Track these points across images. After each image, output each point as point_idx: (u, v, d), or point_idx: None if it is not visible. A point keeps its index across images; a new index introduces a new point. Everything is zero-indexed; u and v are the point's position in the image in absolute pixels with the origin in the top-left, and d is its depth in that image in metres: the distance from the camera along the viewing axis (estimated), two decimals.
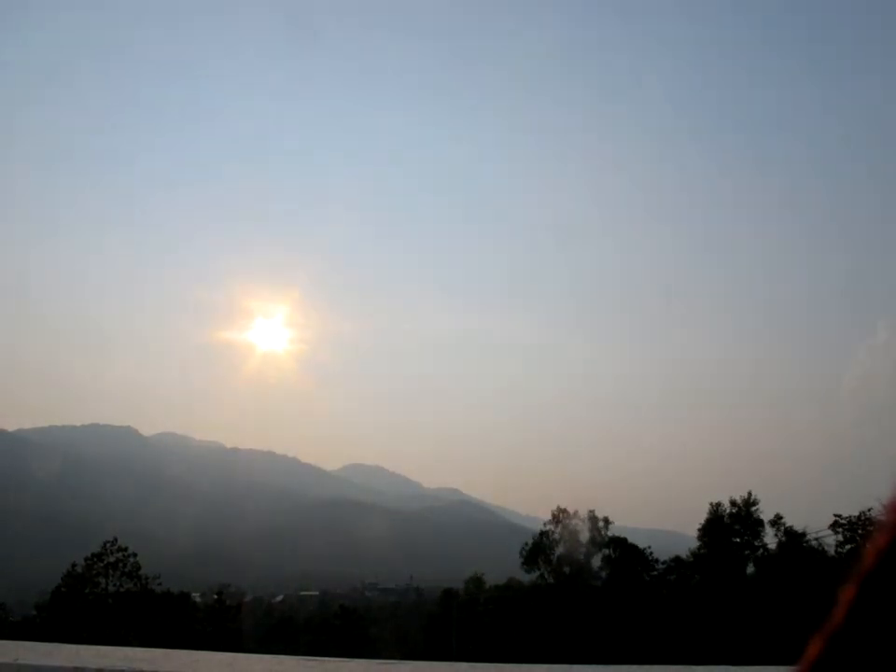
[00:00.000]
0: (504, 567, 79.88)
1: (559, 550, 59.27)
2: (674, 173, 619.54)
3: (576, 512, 60.20)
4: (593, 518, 59.80)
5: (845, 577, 1.19)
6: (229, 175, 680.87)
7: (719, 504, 57.04)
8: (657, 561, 58.13)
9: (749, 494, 56.93)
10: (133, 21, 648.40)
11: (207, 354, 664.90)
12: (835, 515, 52.16)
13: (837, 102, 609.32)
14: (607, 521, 59.87)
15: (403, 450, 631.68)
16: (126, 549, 54.37)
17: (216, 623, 57.78)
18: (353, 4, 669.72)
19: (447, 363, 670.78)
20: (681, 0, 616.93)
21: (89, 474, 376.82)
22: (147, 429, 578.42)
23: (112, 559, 53.60)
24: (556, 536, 59.66)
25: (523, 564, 59.40)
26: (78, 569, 53.59)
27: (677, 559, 57.75)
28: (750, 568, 55.76)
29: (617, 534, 59.65)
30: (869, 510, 49.27)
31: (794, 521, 55.89)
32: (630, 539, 59.16)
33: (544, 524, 61.08)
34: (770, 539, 55.63)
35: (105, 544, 54.23)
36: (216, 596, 63.59)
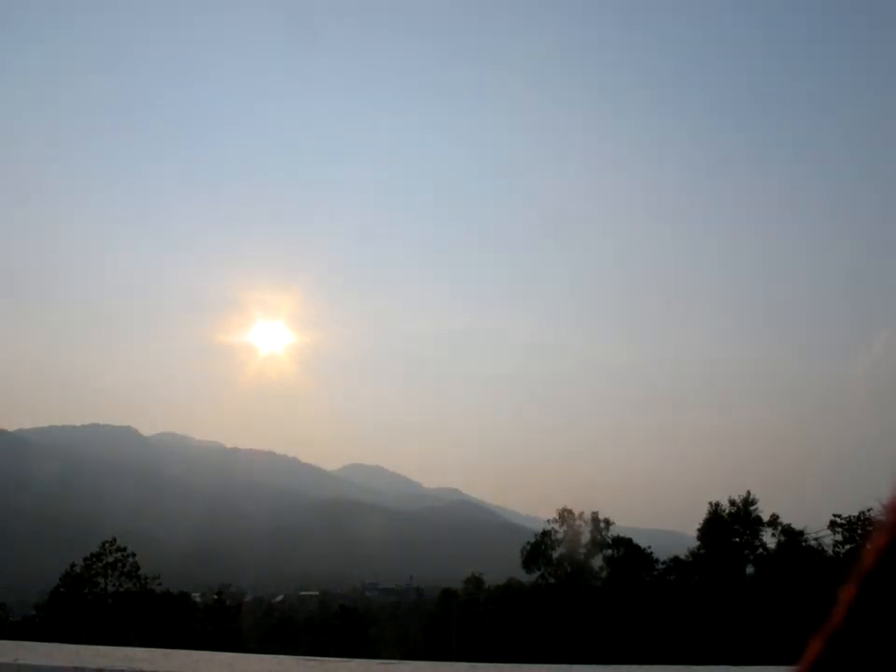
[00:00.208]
0: (504, 567, 79.84)
1: (560, 550, 59.26)
2: (674, 172, 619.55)
3: (581, 514, 60.22)
4: (595, 519, 59.79)
5: (844, 577, 1.19)
6: (230, 176, 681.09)
7: (718, 504, 57.03)
8: (657, 561, 58.12)
9: (748, 493, 56.95)
10: (131, 21, 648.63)
11: (207, 354, 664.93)
12: (834, 515, 52.22)
13: (838, 102, 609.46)
14: (608, 522, 59.85)
15: (403, 450, 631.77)
16: (125, 549, 54.34)
17: (216, 622, 57.78)
18: (352, 4, 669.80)
19: (447, 363, 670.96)
20: (679, 2, 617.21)
21: (89, 474, 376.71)
22: (147, 429, 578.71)
23: (111, 559, 53.58)
24: (557, 536, 59.65)
25: (523, 564, 59.39)
26: (77, 569, 53.57)
27: (676, 559, 57.73)
28: (750, 569, 55.74)
29: (617, 534, 59.64)
30: (868, 510, 49.35)
31: (794, 521, 55.94)
32: (632, 541, 59.12)
33: (547, 521, 61.07)
34: (769, 538, 55.66)
35: (103, 544, 54.22)
36: (216, 596, 63.58)
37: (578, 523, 59.94)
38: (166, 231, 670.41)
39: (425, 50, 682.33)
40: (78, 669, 4.56)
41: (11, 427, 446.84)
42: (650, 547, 58.68)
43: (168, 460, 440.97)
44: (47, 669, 4.60)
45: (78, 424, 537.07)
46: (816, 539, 53.67)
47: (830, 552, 52.37)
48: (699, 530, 57.32)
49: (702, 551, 56.45)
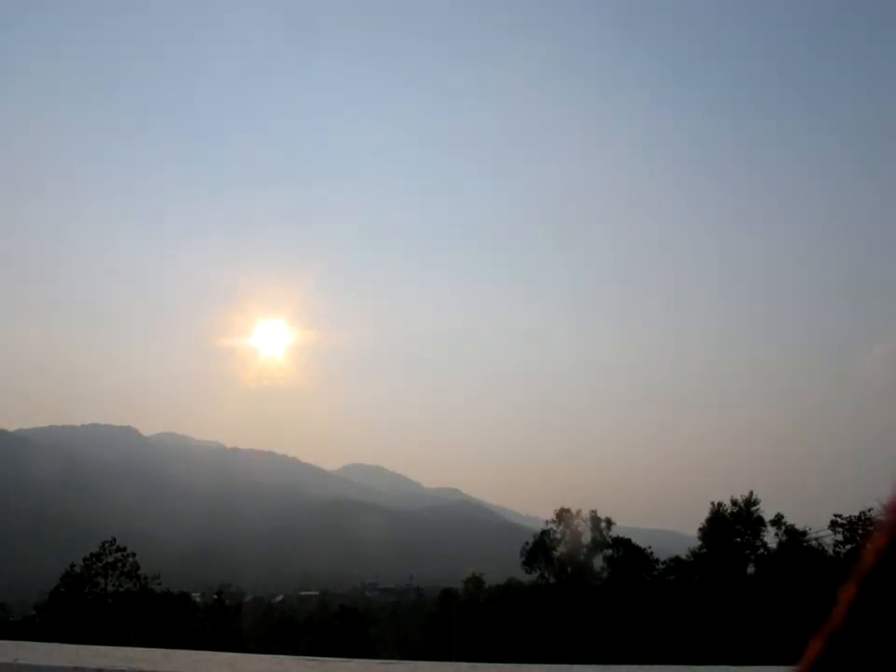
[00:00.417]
0: (504, 567, 79.82)
1: (560, 549, 59.25)
2: (673, 173, 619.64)
3: (578, 512, 60.20)
4: (595, 518, 59.77)
5: (844, 577, 1.19)
6: (230, 176, 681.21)
7: (720, 504, 56.98)
8: (657, 561, 58.09)
9: (751, 493, 56.91)
10: (132, 22, 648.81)
11: (207, 354, 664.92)
12: (835, 515, 52.20)
13: (839, 102, 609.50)
14: (609, 521, 59.82)
15: (403, 450, 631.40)
16: (125, 549, 54.31)
17: (216, 622, 57.75)
18: (352, 3, 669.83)
19: (447, 363, 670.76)
20: (679, 2, 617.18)
21: (89, 474, 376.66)
22: (147, 429, 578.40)
23: (111, 559, 53.55)
24: (558, 535, 59.64)
25: (523, 563, 59.38)
26: (77, 569, 53.54)
27: (676, 559, 57.70)
28: (751, 568, 55.71)
29: (617, 534, 59.63)
30: (869, 510, 49.33)
31: (794, 521, 55.93)
32: (631, 541, 59.11)
33: (546, 522, 61.06)
34: (771, 538, 55.63)
35: (103, 544, 54.18)
36: (216, 596, 63.56)
37: (577, 522, 59.95)
38: (166, 231, 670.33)
39: (425, 50, 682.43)
40: (78, 669, 4.55)
41: (11, 427, 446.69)
42: (650, 547, 58.65)
43: (168, 460, 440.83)
44: (47, 669, 4.60)
45: (78, 424, 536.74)
46: (816, 539, 53.68)
47: (830, 552, 52.35)
48: (700, 530, 57.30)
49: (703, 550, 56.43)
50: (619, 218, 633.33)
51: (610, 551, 58.40)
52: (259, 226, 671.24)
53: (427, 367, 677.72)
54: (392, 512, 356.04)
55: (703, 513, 57.78)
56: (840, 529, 52.00)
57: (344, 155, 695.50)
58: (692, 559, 57.01)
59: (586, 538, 59.53)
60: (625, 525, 62.31)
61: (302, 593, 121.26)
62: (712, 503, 57.36)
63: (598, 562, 59.31)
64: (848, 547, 50.24)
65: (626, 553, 57.55)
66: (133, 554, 54.44)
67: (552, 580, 58.06)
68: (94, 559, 53.51)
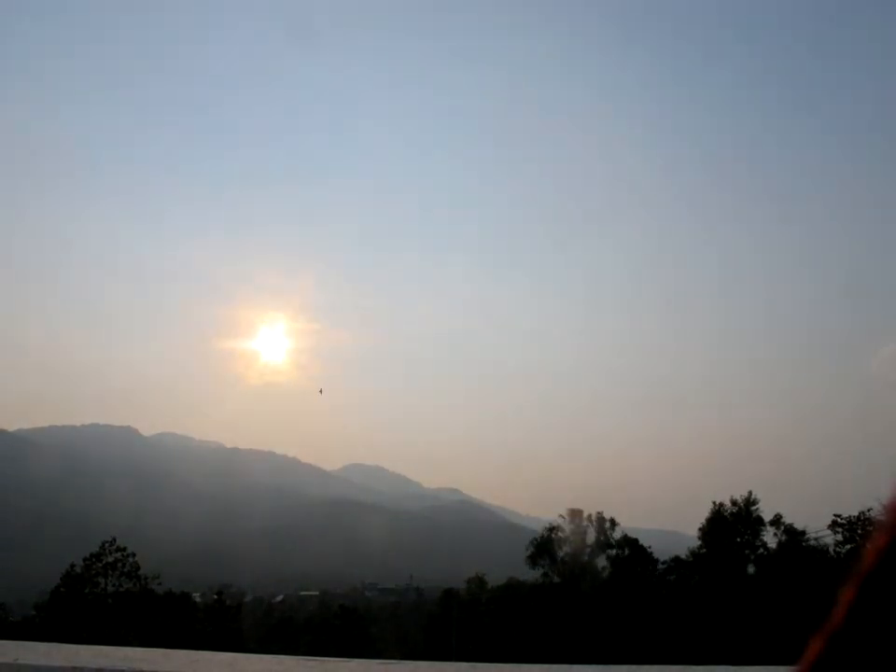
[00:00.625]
0: (504, 567, 79.84)
1: (566, 548, 59.32)
2: (673, 173, 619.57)
3: (589, 516, 60.26)
4: (600, 519, 59.82)
5: (845, 577, 1.18)
6: (231, 177, 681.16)
7: (721, 504, 56.97)
8: (657, 561, 58.11)
9: (750, 493, 56.90)
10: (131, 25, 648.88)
11: (207, 354, 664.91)
12: (835, 515, 52.15)
13: (841, 102, 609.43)
14: (613, 522, 59.81)
15: (403, 450, 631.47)
16: (125, 549, 54.26)
17: (216, 622, 57.74)
18: (352, 4, 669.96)
19: (447, 363, 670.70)
20: (679, 3, 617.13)
21: (89, 474, 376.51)
22: (147, 429, 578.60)
23: (111, 559, 53.51)
24: (566, 534, 59.70)
25: (528, 558, 59.38)
26: (77, 569, 53.51)
27: (677, 559, 57.71)
28: (751, 568, 55.69)
29: (623, 534, 59.62)
30: (869, 510, 49.30)
31: (794, 521, 55.90)
32: (638, 541, 59.09)
33: (558, 516, 60.99)
34: (770, 538, 55.60)
35: (103, 544, 54.14)
36: (216, 596, 63.56)
37: (585, 524, 60.03)
38: (166, 231, 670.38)
39: (424, 50, 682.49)
40: (78, 669, 4.55)
41: (11, 427, 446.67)
42: (650, 547, 58.67)
43: (168, 460, 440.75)
44: (46, 669, 4.59)
45: (78, 424, 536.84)
46: (816, 538, 53.66)
47: (830, 552, 52.32)
48: (700, 529, 57.29)
49: (703, 550, 56.43)
50: (618, 219, 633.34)
51: (614, 551, 58.41)
52: (260, 226, 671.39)
53: (427, 367, 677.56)
54: (392, 512, 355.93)
55: (703, 513, 57.81)
56: (840, 529, 51.96)
57: (345, 161, 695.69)
58: (691, 559, 57.01)
59: (591, 537, 59.58)
60: (625, 524, 62.30)
61: (302, 593, 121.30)
62: (713, 503, 57.38)
63: (602, 562, 59.36)
64: (848, 547, 50.21)
65: (628, 554, 57.59)
66: (134, 554, 54.40)
67: (556, 578, 58.12)
68: (94, 559, 53.48)
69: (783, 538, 54.74)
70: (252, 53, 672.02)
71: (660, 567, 57.71)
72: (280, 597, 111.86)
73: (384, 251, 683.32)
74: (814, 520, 55.54)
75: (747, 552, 55.73)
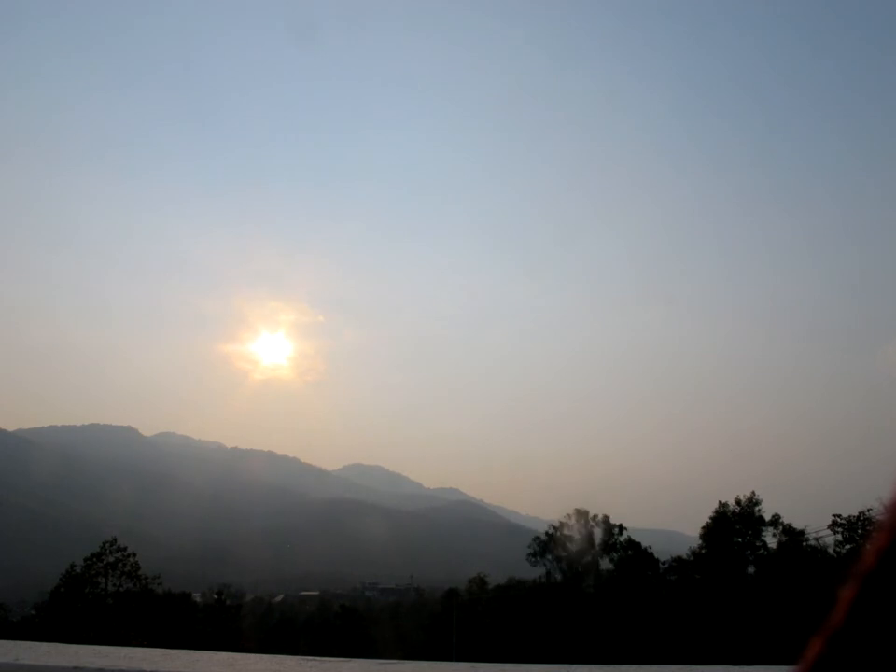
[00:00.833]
0: (504, 567, 79.94)
1: (570, 547, 59.28)
2: (683, 169, 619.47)
3: (595, 517, 60.20)
4: (607, 522, 59.76)
5: (845, 577, 1.18)
6: (234, 177, 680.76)
7: (725, 504, 56.91)
8: (658, 561, 58.06)
9: (753, 493, 56.81)
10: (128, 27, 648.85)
11: (208, 355, 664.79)
12: (834, 515, 52.05)
13: (844, 102, 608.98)
14: (622, 527, 59.61)
15: (403, 450, 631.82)
16: (125, 549, 54.21)
17: (216, 623, 57.70)
18: (352, 4, 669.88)
19: (447, 364, 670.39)
20: (685, 3, 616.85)
21: (89, 474, 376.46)
22: (147, 429, 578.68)
23: (111, 559, 53.46)
24: (570, 533, 59.66)
25: (530, 555, 59.33)
26: (77, 569, 53.47)
27: (678, 559, 57.65)
28: (751, 568, 55.63)
29: (628, 536, 59.53)
30: (869, 509, 49.24)
31: (794, 520, 55.84)
32: (641, 544, 59.03)
33: (565, 516, 60.91)
34: (770, 538, 55.53)
35: (104, 544, 54.09)
36: (216, 596, 63.53)
37: (591, 525, 59.97)
38: (169, 231, 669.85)
39: (430, 47, 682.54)
40: (78, 669, 4.55)
41: (11, 427, 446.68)
42: (650, 547, 58.64)
43: (168, 460, 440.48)
44: (47, 669, 4.59)
45: (78, 424, 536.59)
46: (816, 538, 53.58)
47: (831, 551, 52.24)
48: (703, 528, 57.22)
49: (704, 550, 56.38)
50: (619, 217, 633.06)
51: (619, 553, 58.35)
52: (260, 226, 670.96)
53: (428, 368, 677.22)
54: (392, 512, 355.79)
55: (703, 513, 57.75)
56: (840, 529, 51.88)
57: (345, 163, 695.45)
58: (692, 559, 56.97)
59: (597, 539, 59.52)
60: (625, 524, 62.26)
61: (302, 593, 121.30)
62: (719, 502, 57.34)
63: (605, 564, 59.30)
64: (848, 547, 50.14)
65: (632, 555, 57.57)
66: (134, 554, 54.34)
67: (558, 577, 58.10)
68: (95, 559, 53.43)
69: (782, 538, 54.68)
70: (257, 50, 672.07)
71: (661, 567, 57.66)
72: (280, 597, 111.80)
73: (384, 253, 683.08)
74: (814, 519, 55.55)
75: (747, 552, 55.68)
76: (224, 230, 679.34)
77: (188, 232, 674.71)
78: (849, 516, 51.32)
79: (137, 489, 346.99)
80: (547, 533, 60.18)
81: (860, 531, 49.66)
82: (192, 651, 5.62)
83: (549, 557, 58.79)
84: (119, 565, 53.42)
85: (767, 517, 55.97)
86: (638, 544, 58.29)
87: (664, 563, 57.79)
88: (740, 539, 55.59)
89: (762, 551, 55.54)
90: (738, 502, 56.67)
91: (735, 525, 55.74)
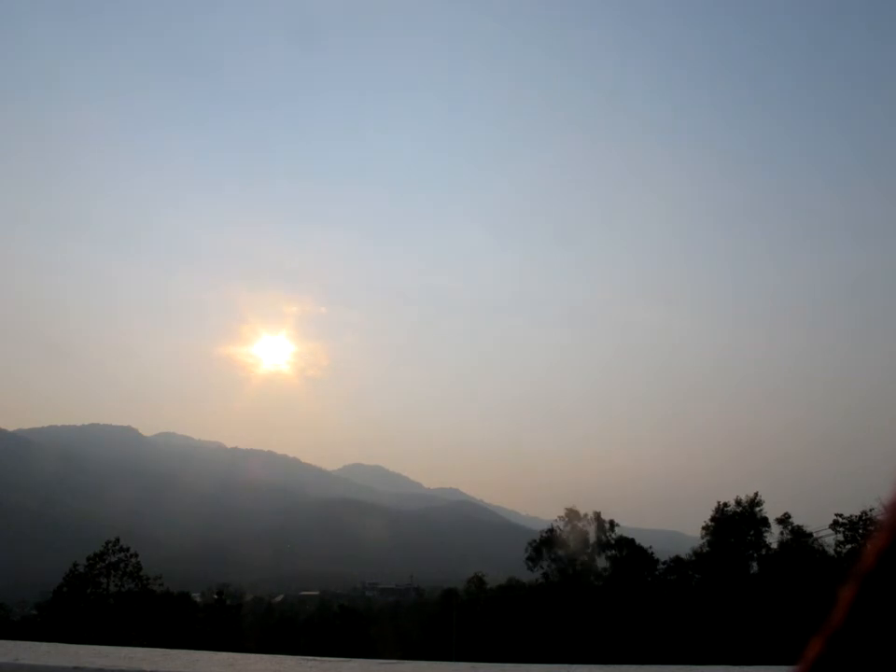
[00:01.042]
0: (504, 567, 79.87)
1: (565, 548, 59.19)
2: (688, 168, 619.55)
3: (585, 515, 60.13)
4: (599, 519, 59.72)
5: (845, 576, 1.18)
6: (235, 177, 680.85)
7: (726, 504, 56.89)
8: (658, 561, 58.02)
9: (756, 494, 56.77)
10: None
11: (208, 355, 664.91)
12: (836, 515, 52.01)
13: (845, 103, 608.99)
14: (612, 523, 59.68)
15: (403, 450, 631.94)
16: (128, 549, 54.28)
17: (216, 623, 57.69)
18: (353, 5, 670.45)
19: (447, 364, 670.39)
20: (688, 5, 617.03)
21: (89, 474, 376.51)
22: (147, 429, 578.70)
23: (114, 559, 53.50)
24: (565, 534, 59.57)
25: (528, 559, 59.29)
26: (80, 569, 53.52)
27: (677, 559, 57.62)
28: (753, 568, 55.60)
29: (620, 534, 59.53)
30: (870, 509, 49.21)
31: (794, 520, 55.82)
32: (635, 541, 59.01)
33: (556, 518, 60.88)
34: (774, 538, 55.48)
35: (106, 544, 54.13)
36: (216, 596, 63.53)
37: (582, 523, 59.88)
38: (169, 231, 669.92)
39: (429, 49, 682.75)
40: (78, 669, 4.55)
41: (11, 427, 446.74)
42: (651, 547, 58.59)
43: (168, 460, 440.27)
44: (47, 669, 4.59)
45: (78, 424, 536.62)
46: (817, 538, 53.53)
47: (832, 551, 52.20)
48: (704, 529, 57.19)
49: (706, 550, 56.34)
50: (620, 216, 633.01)
51: (614, 551, 58.30)
52: (261, 226, 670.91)
53: (427, 368, 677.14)
54: (392, 512, 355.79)
55: (704, 513, 57.71)
56: (841, 529, 51.84)
57: (345, 165, 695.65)
58: (693, 559, 56.94)
59: (591, 537, 59.45)
60: (627, 524, 62.26)
61: (302, 593, 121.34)
62: (718, 503, 57.30)
63: (602, 562, 59.26)
64: (850, 547, 50.11)
65: (629, 553, 57.48)
66: (136, 555, 54.40)
67: (555, 578, 58.01)
68: (97, 559, 53.46)
69: (788, 537, 54.61)
70: (263, 54, 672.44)
71: (661, 567, 57.62)
72: (280, 597, 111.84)
73: (384, 254, 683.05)
74: (815, 519, 55.47)
75: (749, 551, 55.64)
76: (224, 228, 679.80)
77: (187, 232, 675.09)
78: (850, 516, 51.28)
79: (137, 489, 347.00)
80: (541, 536, 60.10)
81: (861, 531, 49.62)
82: (192, 651, 5.61)
83: (545, 560, 58.73)
84: (122, 565, 53.45)
85: (772, 517, 55.90)
86: (632, 541, 58.28)
87: (664, 563, 57.76)
88: (742, 539, 55.56)
89: (764, 551, 55.51)
90: (738, 502, 56.64)
91: (737, 525, 55.70)
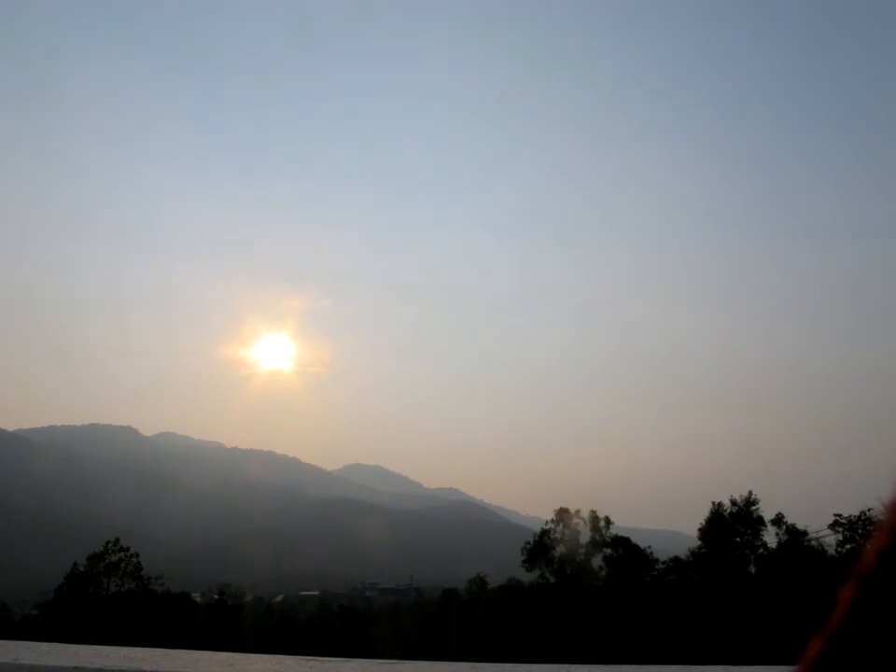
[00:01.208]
0: (504, 567, 79.73)
1: (560, 549, 59.09)
2: (683, 171, 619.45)
3: (577, 511, 60.05)
4: (594, 518, 59.65)
5: (845, 577, 1.18)
6: (235, 177, 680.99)
7: (720, 504, 56.87)
8: (657, 561, 57.99)
9: (750, 493, 56.77)
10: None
11: (208, 355, 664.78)
12: (835, 515, 51.99)
13: (846, 102, 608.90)
14: (608, 521, 59.68)
15: (403, 450, 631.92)
16: (128, 549, 54.31)
17: (216, 622, 57.68)
18: (353, 6, 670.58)
19: (447, 364, 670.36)
20: (688, 5, 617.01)
21: (89, 474, 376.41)
22: (147, 429, 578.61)
23: (114, 559, 53.51)
24: (557, 535, 59.49)
25: (524, 562, 59.24)
26: (81, 569, 53.54)
27: (676, 559, 57.59)
28: (751, 568, 55.57)
29: (616, 533, 59.50)
30: (870, 509, 49.18)
31: (794, 520, 55.81)
32: (630, 539, 59.01)
33: (546, 522, 60.85)
34: (771, 538, 55.46)
35: (107, 544, 54.15)
36: (216, 596, 63.52)
37: (576, 521, 59.79)
38: (168, 230, 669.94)
39: (429, 49, 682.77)
40: (78, 669, 4.55)
41: (11, 427, 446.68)
42: (650, 547, 58.55)
43: (168, 460, 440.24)
44: (47, 669, 4.59)
45: (78, 424, 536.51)
46: (817, 538, 53.50)
47: (831, 551, 52.17)
48: (700, 529, 57.17)
49: (703, 550, 56.32)
50: (621, 215, 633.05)
51: (609, 550, 58.25)
52: (261, 225, 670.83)
53: (427, 368, 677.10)
54: (392, 512, 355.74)
55: (703, 513, 57.69)
56: (841, 529, 51.80)
57: (346, 167, 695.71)
58: (691, 559, 56.92)
59: (585, 537, 59.38)
60: (626, 524, 62.24)
61: (302, 593, 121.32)
62: (713, 503, 57.28)
63: (597, 561, 59.18)
64: (849, 547, 50.08)
65: (625, 553, 57.42)
66: (137, 555, 54.43)
67: (551, 579, 57.91)
68: (98, 559, 53.48)
69: (784, 537, 54.60)
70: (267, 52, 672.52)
71: (660, 566, 57.58)
72: (280, 597, 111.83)
73: (384, 254, 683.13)
74: (814, 519, 55.45)
75: (747, 551, 55.61)
76: (224, 228, 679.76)
77: (188, 232, 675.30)
78: (850, 516, 51.25)
79: (137, 489, 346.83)
80: (534, 538, 60.00)
81: (860, 531, 49.59)
82: (192, 651, 5.61)
83: (541, 561, 58.62)
84: (122, 565, 53.46)
85: (767, 516, 55.92)
86: (627, 539, 58.23)
87: (663, 563, 57.74)
88: (739, 539, 55.53)
89: (761, 550, 55.48)
90: (734, 502, 56.61)
91: (734, 525, 55.67)
